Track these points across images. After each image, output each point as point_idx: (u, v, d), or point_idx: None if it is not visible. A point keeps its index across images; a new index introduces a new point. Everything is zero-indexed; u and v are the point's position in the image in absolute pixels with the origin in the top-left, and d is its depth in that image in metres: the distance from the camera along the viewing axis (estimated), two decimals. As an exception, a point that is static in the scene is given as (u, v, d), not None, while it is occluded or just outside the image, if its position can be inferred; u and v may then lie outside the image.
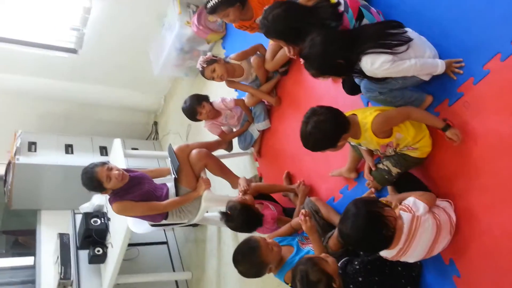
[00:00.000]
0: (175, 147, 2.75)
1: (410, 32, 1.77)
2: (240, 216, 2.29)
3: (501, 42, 1.59)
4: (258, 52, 2.85)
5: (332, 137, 1.70)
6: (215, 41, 3.90)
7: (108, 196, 2.63)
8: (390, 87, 1.78)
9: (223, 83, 2.89)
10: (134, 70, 4.56)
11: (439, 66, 1.72)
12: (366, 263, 1.76)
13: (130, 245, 3.54)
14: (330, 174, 2.33)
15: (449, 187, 1.75)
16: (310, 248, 2.12)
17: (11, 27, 4.01)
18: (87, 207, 3.66)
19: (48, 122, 4.70)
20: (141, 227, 2.87)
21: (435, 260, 1.72)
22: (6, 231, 4.91)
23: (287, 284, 2.01)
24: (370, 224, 1.53)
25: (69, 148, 4.42)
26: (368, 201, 1.60)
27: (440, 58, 1.77)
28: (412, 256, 1.63)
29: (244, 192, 2.47)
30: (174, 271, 3.80)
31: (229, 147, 3.13)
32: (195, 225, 3.51)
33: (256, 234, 2.41)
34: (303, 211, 2.10)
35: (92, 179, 2.46)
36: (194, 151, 2.72)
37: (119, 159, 3.08)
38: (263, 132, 3.00)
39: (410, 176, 1.85)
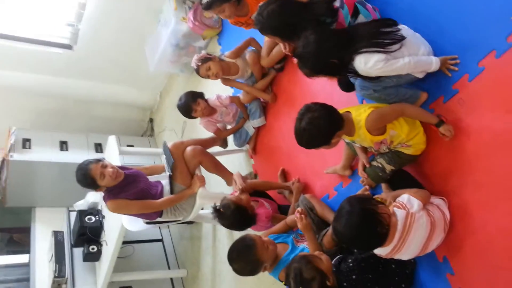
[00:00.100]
0: (169, 144, 2.74)
1: (405, 29, 1.76)
2: (232, 216, 2.27)
3: (496, 39, 1.58)
4: (253, 48, 2.83)
5: (326, 134, 1.69)
6: (211, 37, 3.88)
7: (102, 194, 2.61)
8: (384, 85, 1.77)
9: (219, 80, 2.88)
10: (129, 66, 4.53)
11: (433, 63, 1.71)
12: (359, 260, 1.76)
13: (125, 242, 3.53)
14: (324, 172, 2.33)
15: (443, 184, 1.74)
16: (305, 246, 2.11)
17: (6, 22, 3.97)
18: (81, 204, 3.64)
19: (43, 119, 4.67)
20: (135, 225, 2.86)
21: (429, 257, 1.72)
22: (1, 228, 4.88)
23: (282, 282, 2.00)
24: (364, 222, 1.52)
25: (63, 145, 4.41)
26: (362, 199, 1.59)
27: (435, 55, 1.76)
28: (406, 253, 1.62)
29: (242, 191, 2.44)
30: (169, 268, 3.79)
31: (224, 144, 3.12)
32: (190, 222, 3.50)
33: (250, 231, 2.40)
34: (299, 209, 2.09)
35: (86, 176, 2.44)
36: (188, 148, 2.71)
37: (114, 156, 3.07)
38: (258, 129, 2.98)
39: (404, 174, 1.84)
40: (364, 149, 1.95)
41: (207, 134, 3.04)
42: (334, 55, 1.71)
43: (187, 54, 3.94)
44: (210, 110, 2.89)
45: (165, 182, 2.74)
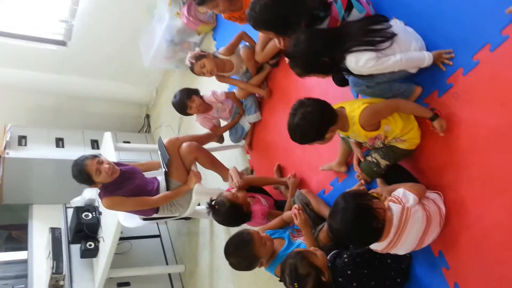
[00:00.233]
0: (165, 140, 2.73)
1: (397, 24, 1.75)
2: (226, 213, 2.26)
3: (491, 32, 1.57)
4: (246, 43, 2.81)
5: (320, 129, 1.69)
6: (206, 33, 3.85)
7: (98, 190, 2.61)
8: (377, 81, 1.77)
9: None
10: (124, 62, 4.50)
11: (426, 59, 1.70)
12: (355, 256, 1.76)
13: (122, 238, 3.55)
14: (320, 168, 2.32)
15: (439, 179, 1.74)
16: (301, 241, 2.11)
17: (-1, 19, 3.95)
18: (78, 201, 3.64)
19: (38, 116, 4.65)
20: (132, 222, 2.86)
21: (424, 252, 1.72)
22: (-1, 226, 4.88)
23: (278, 277, 2.00)
24: (359, 217, 1.52)
25: (60, 142, 4.39)
26: (356, 194, 1.58)
27: (428, 49, 1.75)
28: (402, 248, 1.62)
29: (238, 188, 2.42)
30: (167, 264, 3.80)
31: (221, 139, 3.11)
32: (187, 218, 3.50)
33: (246, 226, 2.39)
34: (296, 205, 2.09)
35: (82, 172, 2.43)
36: (184, 144, 2.70)
37: (110, 152, 3.06)
38: (254, 125, 2.98)
39: (399, 168, 1.84)
40: (359, 144, 1.94)
41: (204, 130, 3.02)
42: (325, 54, 1.71)
43: (182, 50, 3.92)
44: (205, 107, 2.88)
45: (161, 178, 2.74)
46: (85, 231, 3.40)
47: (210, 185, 3.14)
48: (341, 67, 1.73)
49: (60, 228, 3.75)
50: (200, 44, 3.93)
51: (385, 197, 1.70)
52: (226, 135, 3.12)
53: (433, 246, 1.71)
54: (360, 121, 1.67)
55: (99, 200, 2.61)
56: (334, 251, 1.86)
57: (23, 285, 3.72)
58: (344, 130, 1.76)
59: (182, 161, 2.68)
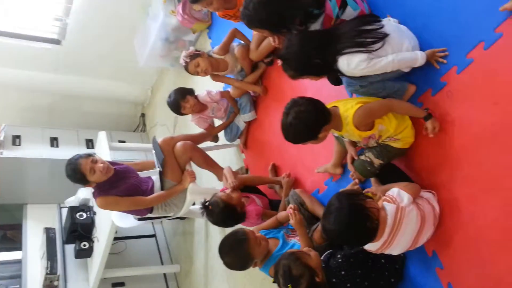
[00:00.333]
0: (159, 140, 2.71)
1: (389, 23, 1.74)
2: (220, 214, 2.24)
3: (484, 30, 1.56)
4: (241, 42, 2.79)
5: (313, 128, 1.67)
6: (201, 31, 3.82)
7: (92, 190, 2.59)
8: (371, 80, 1.76)
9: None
10: (119, 61, 4.47)
11: (419, 59, 1.69)
12: (348, 256, 1.75)
13: (117, 238, 3.53)
14: (315, 171, 2.29)
15: (432, 178, 1.73)
16: (295, 241, 2.10)
17: (-8, 18, 3.91)
18: (72, 201, 3.62)
19: (33, 115, 4.63)
20: (126, 222, 2.84)
21: (418, 252, 1.71)
22: (-6, 225, 4.85)
23: (272, 277, 1.99)
24: (353, 218, 1.51)
25: (54, 141, 4.36)
26: (350, 194, 1.57)
27: (422, 48, 1.74)
28: (397, 248, 1.61)
29: (233, 188, 2.40)
30: (162, 264, 3.79)
31: (215, 138, 3.10)
32: (182, 218, 3.49)
33: (241, 226, 2.38)
34: (291, 205, 2.07)
35: (76, 171, 2.41)
36: (179, 144, 2.68)
37: (104, 152, 3.04)
38: (249, 124, 2.96)
39: (393, 167, 1.83)
40: (353, 143, 1.93)
41: (199, 128, 3.01)
42: (317, 56, 1.71)
43: (177, 48, 3.89)
44: (200, 107, 2.86)
45: (155, 178, 2.72)
46: (79, 231, 3.38)
47: (205, 184, 3.12)
48: (334, 69, 1.72)
49: (54, 228, 3.73)
50: (195, 42, 3.91)
51: (379, 196, 1.69)
52: (221, 134, 3.10)
53: (427, 246, 1.70)
54: (354, 121, 1.66)
55: (94, 199, 2.60)
56: (328, 251, 1.85)
57: (17, 286, 3.71)
58: (338, 130, 1.75)
59: (177, 160, 2.67)
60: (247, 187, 2.53)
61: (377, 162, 1.79)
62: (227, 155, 3.21)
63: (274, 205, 2.52)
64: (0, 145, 3.99)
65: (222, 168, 2.75)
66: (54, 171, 3.96)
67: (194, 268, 3.51)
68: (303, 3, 1.90)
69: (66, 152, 4.05)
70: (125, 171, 2.68)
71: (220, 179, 2.77)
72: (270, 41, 2.44)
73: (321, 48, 1.71)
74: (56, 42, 4.25)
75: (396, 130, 1.71)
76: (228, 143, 3.08)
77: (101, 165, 2.45)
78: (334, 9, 1.93)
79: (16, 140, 4.17)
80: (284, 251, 2.02)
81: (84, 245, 3.37)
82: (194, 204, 2.89)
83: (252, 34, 2.73)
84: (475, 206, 1.57)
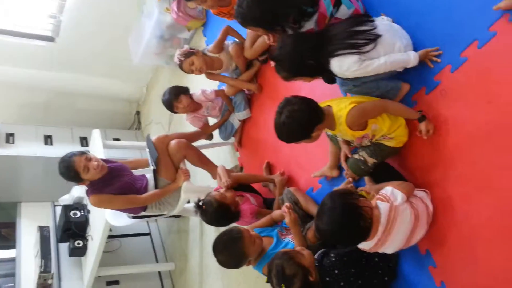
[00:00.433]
0: (153, 138, 2.70)
1: (382, 23, 1.74)
2: (214, 214, 2.23)
3: (478, 29, 1.56)
4: (236, 40, 2.77)
5: (306, 127, 1.67)
6: (196, 28, 3.80)
7: (86, 188, 2.57)
8: (364, 80, 1.76)
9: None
10: (114, 58, 4.45)
11: (411, 60, 1.69)
12: (342, 255, 1.75)
13: (111, 236, 3.52)
14: (312, 176, 2.28)
15: (426, 177, 1.73)
16: (289, 239, 2.10)
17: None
18: (66, 199, 3.61)
19: (26, 113, 4.60)
20: (120, 220, 2.83)
21: (411, 250, 1.71)
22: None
23: (266, 275, 1.99)
24: (346, 217, 1.50)
25: (48, 139, 4.34)
26: (343, 194, 1.57)
27: (416, 46, 1.74)
28: (391, 246, 1.61)
29: (227, 188, 2.38)
30: (157, 262, 3.78)
31: (209, 136, 3.08)
32: (177, 216, 3.47)
33: (235, 224, 2.37)
34: (287, 204, 2.07)
35: (69, 169, 2.40)
36: (173, 142, 2.67)
37: (98, 150, 3.02)
38: (244, 122, 2.95)
39: (387, 166, 1.83)
40: (347, 141, 1.93)
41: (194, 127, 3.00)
42: (310, 57, 1.72)
43: (172, 46, 3.88)
44: (195, 106, 2.84)
45: (149, 176, 2.71)
46: (73, 229, 3.37)
47: (200, 182, 3.11)
48: (327, 70, 1.73)
49: (48, 227, 3.71)
50: (190, 40, 3.89)
51: (373, 195, 1.69)
52: (215, 132, 3.09)
53: (420, 244, 1.70)
54: (347, 121, 1.66)
55: (87, 197, 2.59)
56: (321, 250, 1.84)
57: (11, 284, 3.68)
58: (331, 129, 1.75)
59: (171, 158, 2.65)
60: (241, 185, 2.52)
61: (371, 161, 1.79)
62: (221, 153, 3.20)
63: (268, 204, 2.51)
64: (-6, 143, 3.97)
65: (216, 166, 2.73)
66: (48, 169, 3.93)
67: (188, 266, 3.51)
68: (297, 1, 1.89)
69: (60, 150, 3.98)
70: (119, 169, 2.67)
71: (214, 177, 2.75)
72: (265, 39, 2.43)
73: (314, 50, 1.72)
74: (50, 39, 4.22)
75: (389, 129, 1.71)
76: (222, 141, 3.07)
77: (95, 163, 2.43)
78: (328, 7, 1.92)
79: (9, 138, 4.15)
80: (278, 249, 2.02)
81: (78, 244, 3.36)
82: (188, 202, 2.88)
83: (247, 32, 2.72)
84: (469, 205, 1.57)
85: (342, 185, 2.01)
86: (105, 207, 2.71)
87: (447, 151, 1.65)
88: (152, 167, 2.62)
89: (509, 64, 1.47)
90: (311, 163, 2.34)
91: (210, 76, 2.85)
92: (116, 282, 3.54)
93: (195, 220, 3.48)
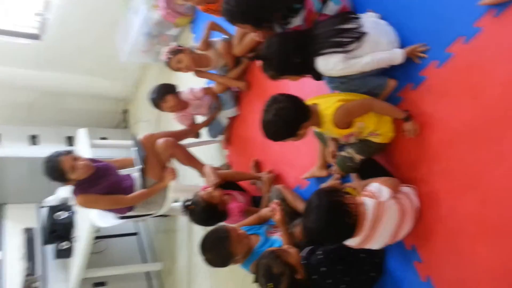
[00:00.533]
0: (140, 137, 2.66)
1: (370, 18, 1.73)
2: (202, 213, 2.21)
3: (464, 25, 1.55)
4: (225, 36, 2.75)
5: (292, 125, 1.67)
6: (184, 25, 3.77)
7: (72, 188, 2.53)
8: (351, 77, 1.75)
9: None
10: (101, 56, 4.40)
11: (397, 58, 1.69)
12: (329, 252, 1.74)
13: (99, 237, 3.48)
14: (302, 178, 2.26)
15: (412, 173, 1.72)
16: (277, 237, 2.08)
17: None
18: (52, 200, 3.55)
19: (12, 112, 4.53)
20: (107, 220, 2.79)
21: (397, 246, 1.71)
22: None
23: (253, 273, 1.97)
24: (332, 214, 1.49)
25: (34, 139, 4.27)
26: (329, 191, 1.57)
27: (403, 42, 1.73)
28: (377, 242, 1.61)
29: (214, 187, 2.36)
30: (145, 262, 3.74)
31: (197, 134, 3.05)
32: (165, 215, 3.44)
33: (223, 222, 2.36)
34: (275, 200, 2.05)
35: (56, 169, 2.36)
36: (160, 141, 2.64)
37: (85, 149, 2.98)
38: (232, 120, 2.93)
39: (373, 162, 1.82)
40: (334, 138, 1.92)
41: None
42: (297, 56, 1.73)
43: (160, 43, 3.84)
44: (182, 105, 2.81)
45: (136, 175, 2.67)
46: (59, 231, 3.32)
47: (188, 181, 3.08)
48: (314, 69, 1.73)
49: (34, 229, 3.65)
50: (179, 37, 3.85)
51: (359, 191, 1.68)
52: (203, 130, 3.06)
53: (406, 240, 1.69)
54: (333, 120, 1.65)
55: (73, 198, 2.55)
56: (308, 248, 1.83)
57: (-4, 287, 3.62)
58: (318, 127, 1.74)
59: (158, 157, 2.63)
60: (228, 184, 2.50)
61: (358, 157, 1.79)
62: (210, 151, 3.17)
63: (256, 201, 2.50)
64: (-22, 143, 3.89)
65: (204, 165, 2.71)
66: (33, 169, 3.84)
67: (177, 266, 3.48)
68: None
69: (46, 150, 3.90)
70: (105, 168, 2.64)
71: (203, 175, 2.73)
72: (254, 36, 2.41)
73: (300, 48, 1.72)
74: (36, 37, 4.17)
75: (376, 126, 1.71)
76: (211, 139, 3.04)
77: (83, 162, 2.40)
78: (317, 4, 1.91)
79: (-6, 138, 4.08)
80: (266, 247, 2.01)
81: (64, 245, 3.31)
82: (176, 201, 2.85)
83: (235, 29, 2.70)
84: (454, 200, 1.57)
85: (330, 182, 2.01)
86: (91, 207, 2.68)
87: (432, 146, 1.65)
88: (139, 166, 2.59)
89: (494, 60, 1.47)
90: (299, 161, 2.33)
91: (199, 73, 2.83)
92: (103, 284, 3.51)
93: (183, 219, 3.45)
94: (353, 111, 1.66)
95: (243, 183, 2.64)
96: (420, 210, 1.67)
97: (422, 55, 1.69)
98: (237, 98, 2.89)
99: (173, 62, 2.65)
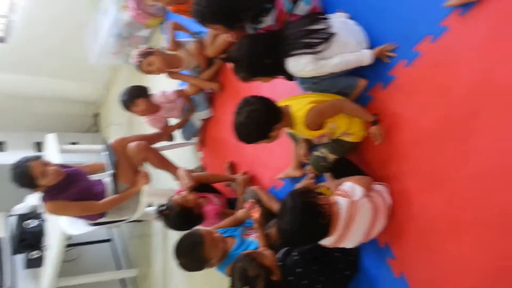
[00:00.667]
0: (111, 141, 2.60)
1: (337, 20, 1.74)
2: (177, 218, 2.17)
3: (431, 23, 1.58)
4: (195, 37, 2.72)
5: (264, 127, 1.66)
6: (155, 26, 3.71)
7: (41, 194, 2.44)
8: (322, 77, 1.76)
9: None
10: (69, 59, 4.29)
11: (365, 59, 1.71)
12: (304, 253, 1.74)
13: (70, 245, 3.39)
14: (276, 178, 2.26)
15: (384, 171, 1.74)
16: (253, 239, 2.07)
17: None
18: (21, 208, 3.43)
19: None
20: (78, 228, 2.71)
21: (371, 244, 1.72)
22: None
23: (229, 276, 1.95)
24: (306, 216, 1.49)
25: (0, 145, 4.12)
26: (302, 192, 1.56)
27: (372, 42, 1.75)
28: (351, 241, 1.62)
29: (189, 190, 2.32)
30: (119, 269, 3.67)
31: (170, 137, 3.01)
32: (139, 220, 3.38)
33: (198, 226, 2.32)
34: (250, 200, 2.04)
35: (25, 175, 2.28)
36: (132, 144, 2.58)
37: (54, 155, 2.89)
38: (205, 121, 2.90)
39: (346, 162, 1.83)
40: (307, 139, 1.93)
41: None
42: (267, 57, 1.72)
43: (131, 45, 3.77)
44: (154, 108, 2.76)
45: (108, 180, 2.61)
46: (29, 239, 3.21)
47: (162, 185, 3.03)
48: (285, 70, 1.73)
49: (2, 238, 3.52)
50: (150, 38, 3.79)
51: (333, 191, 1.69)
52: (177, 132, 3.02)
53: (379, 237, 1.71)
54: (305, 122, 1.66)
55: (43, 204, 2.46)
56: (284, 249, 1.83)
57: (-37, 300, 3.46)
58: (290, 128, 1.74)
59: (130, 162, 2.57)
60: (203, 186, 2.47)
61: (331, 157, 1.79)
62: (184, 154, 3.13)
63: (231, 203, 2.48)
64: None
65: (177, 168, 2.67)
66: (1, 177, 3.71)
67: (152, 271, 3.42)
68: None
69: (14, 156, 3.78)
70: (75, 174, 2.57)
71: (176, 179, 2.69)
72: (226, 37, 2.39)
73: (270, 49, 1.72)
74: (1, 40, 4.03)
75: (348, 126, 1.72)
76: (184, 141, 3.00)
77: (53, 167, 2.33)
78: (286, 4, 1.91)
79: (-43, 145, 3.91)
80: (241, 249, 2.00)
81: (35, 255, 3.20)
82: (150, 206, 2.80)
83: (208, 30, 2.67)
84: (425, 198, 1.59)
85: (304, 182, 2.01)
86: (61, 214, 2.60)
87: (401, 145, 1.67)
88: (110, 171, 2.52)
89: (460, 58, 1.50)
90: (273, 162, 2.33)
91: (171, 75, 2.79)
92: (77, 292, 3.40)
93: (158, 224, 3.40)
94: (324, 112, 1.67)
95: (218, 185, 2.61)
96: (392, 208, 1.69)
97: (390, 54, 1.71)
98: (210, 100, 2.86)
99: (143, 65, 2.61)
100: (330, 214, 1.51)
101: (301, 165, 2.13)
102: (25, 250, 3.22)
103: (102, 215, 2.57)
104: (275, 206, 2.16)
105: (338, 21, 1.75)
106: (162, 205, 2.22)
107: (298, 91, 2.08)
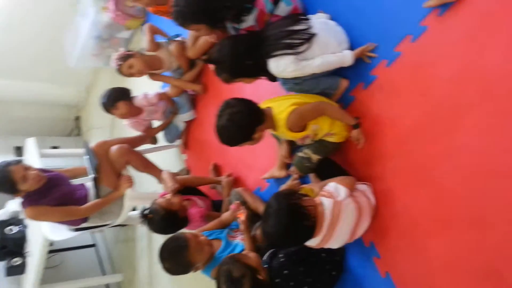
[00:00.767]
0: (92, 144, 2.55)
1: (318, 21, 1.75)
2: (161, 222, 2.14)
3: (411, 23, 1.60)
4: (179, 38, 2.69)
5: (246, 129, 1.65)
6: (136, 28, 3.67)
7: (21, 200, 2.38)
8: (304, 78, 1.76)
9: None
10: (49, 62, 4.21)
11: (347, 60, 1.71)
12: (290, 254, 1.74)
13: (53, 251, 3.33)
14: (261, 178, 2.25)
15: (367, 170, 1.75)
16: (239, 241, 2.06)
17: None
18: (1, 214, 3.34)
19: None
20: (60, 233, 2.66)
21: (356, 243, 1.73)
22: None
23: (214, 279, 1.94)
24: (290, 218, 1.49)
25: (-22, 151, 4.01)
26: (287, 194, 1.55)
27: (352, 43, 1.76)
28: (336, 241, 1.62)
29: (173, 193, 2.29)
30: (104, 274, 3.61)
31: (154, 140, 2.98)
32: (123, 224, 3.33)
33: (184, 230, 2.30)
34: (236, 201, 2.02)
35: (6, 180, 2.21)
36: (114, 148, 2.54)
37: (34, 160, 2.83)
38: (189, 123, 2.88)
39: (330, 162, 1.84)
40: (291, 140, 1.93)
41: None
42: (249, 58, 1.72)
43: (111, 46, 3.72)
44: (135, 111, 2.72)
45: (90, 185, 2.56)
46: (10, 246, 3.14)
47: (146, 189, 2.99)
48: (266, 71, 1.73)
49: (-18, 246, 3.41)
50: (130, 39, 3.74)
51: (317, 192, 1.69)
52: (160, 135, 2.99)
53: (364, 237, 1.72)
54: (287, 125, 1.66)
55: (23, 210, 2.40)
56: (270, 251, 1.82)
57: None
58: (273, 130, 1.74)
59: (112, 165, 2.53)
60: (187, 189, 2.45)
61: (315, 158, 1.79)
62: (168, 156, 3.10)
63: (216, 206, 2.46)
64: None
65: (161, 171, 2.64)
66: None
67: (137, 276, 3.38)
68: None
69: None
70: (56, 178, 2.51)
71: (160, 182, 2.66)
72: (208, 38, 2.38)
73: (252, 50, 1.72)
74: (-22, 43, 3.92)
75: (330, 127, 1.73)
76: (168, 144, 2.97)
77: (34, 172, 2.27)
78: (268, 4, 1.91)
79: None
80: (227, 252, 1.99)
81: (16, 261, 3.12)
82: (133, 210, 2.76)
83: (189, 32, 2.64)
84: (408, 197, 1.61)
85: (288, 182, 2.01)
86: (42, 220, 2.54)
87: (384, 144, 1.69)
88: (91, 175, 2.48)
89: (439, 57, 1.52)
90: (257, 163, 2.32)
91: (153, 76, 2.76)
92: (60, 299, 3.34)
93: (143, 228, 3.36)
94: (306, 115, 1.67)
95: (203, 188, 2.59)
96: (376, 207, 1.70)
97: (371, 54, 1.72)
98: (193, 101, 2.84)
99: (124, 68, 2.57)
100: (315, 216, 1.51)
101: (286, 166, 2.13)
102: (6, 257, 3.14)
103: (84, 220, 2.51)
104: (260, 207, 2.15)
105: (319, 21, 1.76)
106: (146, 209, 2.19)
107: (282, 92, 2.08)
